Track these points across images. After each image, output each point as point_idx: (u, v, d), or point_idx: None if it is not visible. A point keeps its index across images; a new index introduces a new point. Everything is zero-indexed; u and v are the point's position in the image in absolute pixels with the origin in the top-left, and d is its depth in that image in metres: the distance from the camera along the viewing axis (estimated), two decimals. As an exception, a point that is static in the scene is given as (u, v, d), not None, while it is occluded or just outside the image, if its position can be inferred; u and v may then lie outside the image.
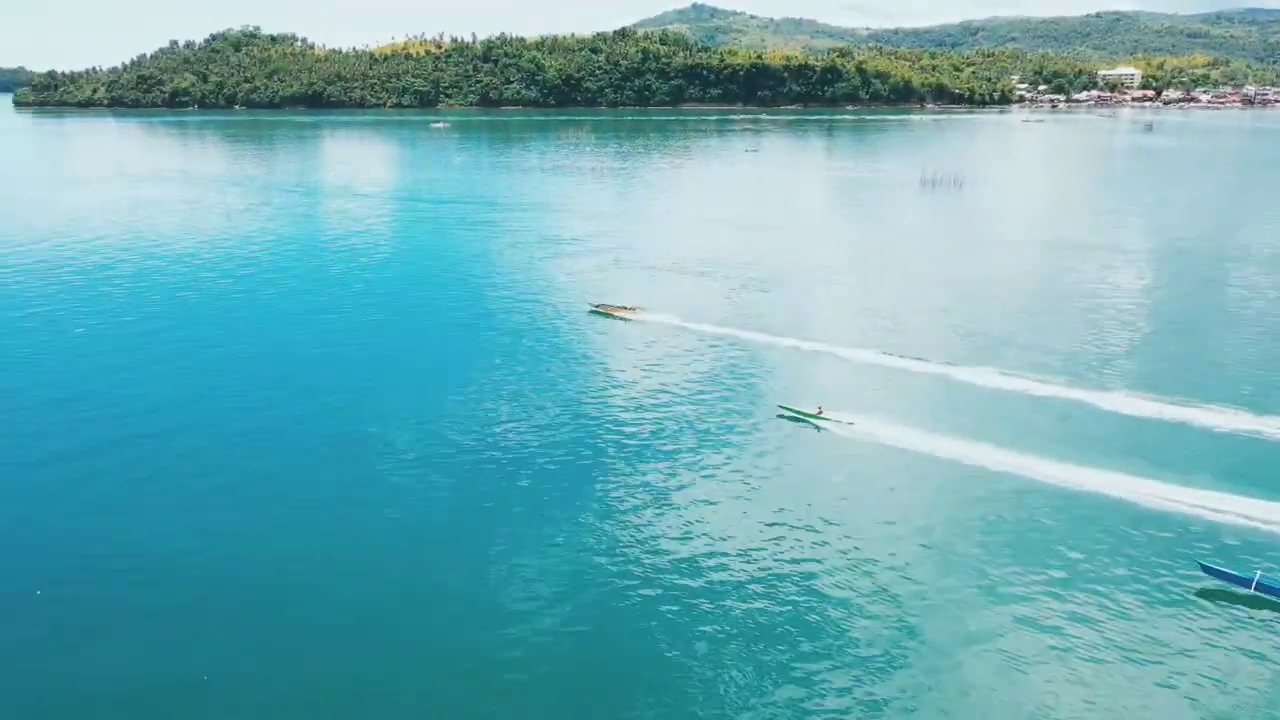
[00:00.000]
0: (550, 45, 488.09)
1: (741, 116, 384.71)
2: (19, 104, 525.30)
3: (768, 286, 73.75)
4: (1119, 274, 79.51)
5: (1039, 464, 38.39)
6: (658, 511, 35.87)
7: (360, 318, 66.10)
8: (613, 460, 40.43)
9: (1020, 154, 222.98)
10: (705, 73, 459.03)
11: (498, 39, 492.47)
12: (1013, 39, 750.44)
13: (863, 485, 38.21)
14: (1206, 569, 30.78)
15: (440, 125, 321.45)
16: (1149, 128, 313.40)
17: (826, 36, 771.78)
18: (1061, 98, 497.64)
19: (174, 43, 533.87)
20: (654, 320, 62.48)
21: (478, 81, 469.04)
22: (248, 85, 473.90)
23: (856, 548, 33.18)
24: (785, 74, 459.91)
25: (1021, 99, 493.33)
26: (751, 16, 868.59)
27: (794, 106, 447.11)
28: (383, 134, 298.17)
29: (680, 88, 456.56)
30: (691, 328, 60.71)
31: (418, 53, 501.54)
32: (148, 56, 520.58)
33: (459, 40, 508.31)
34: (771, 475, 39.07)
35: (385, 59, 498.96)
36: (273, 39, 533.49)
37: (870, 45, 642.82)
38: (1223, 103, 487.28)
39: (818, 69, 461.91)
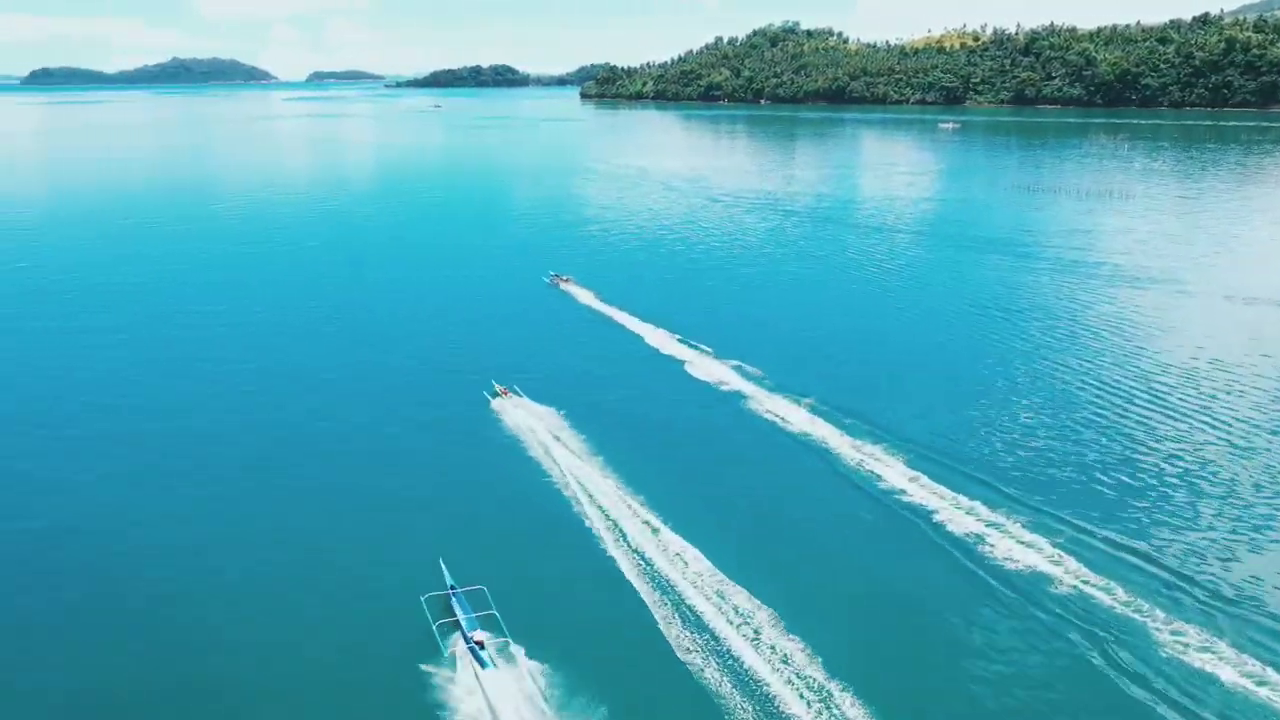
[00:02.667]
0: (1107, 35, 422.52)
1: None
2: (584, 96, 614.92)
3: None
4: None
5: None
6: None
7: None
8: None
9: None
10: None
11: (1044, 29, 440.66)
12: None
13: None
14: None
15: (949, 126, 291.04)
16: None
17: None
18: None
19: (718, 39, 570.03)
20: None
21: (1013, 77, 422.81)
22: (775, 80, 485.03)
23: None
24: None
25: None
26: None
27: None
28: (878, 133, 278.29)
29: (1272, 85, 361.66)
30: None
31: (952, 46, 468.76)
32: (693, 53, 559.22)
33: (1000, 32, 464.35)
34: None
35: (915, 53, 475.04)
36: (809, 34, 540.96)
37: None
38: None
39: None
